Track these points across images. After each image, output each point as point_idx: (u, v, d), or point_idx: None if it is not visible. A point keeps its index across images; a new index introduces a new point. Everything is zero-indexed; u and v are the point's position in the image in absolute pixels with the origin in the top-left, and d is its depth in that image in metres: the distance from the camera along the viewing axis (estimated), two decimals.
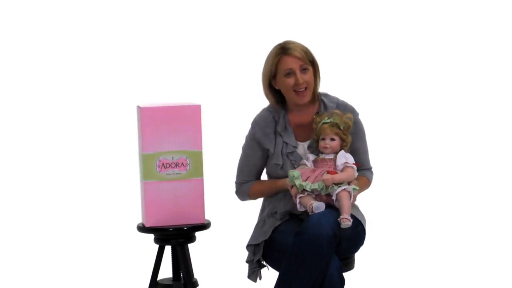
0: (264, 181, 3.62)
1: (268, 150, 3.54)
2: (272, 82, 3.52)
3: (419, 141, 5.69)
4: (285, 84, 3.46)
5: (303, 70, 3.45)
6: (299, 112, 3.54)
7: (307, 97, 3.48)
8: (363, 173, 3.55)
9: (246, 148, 3.60)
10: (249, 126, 3.60)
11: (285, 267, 3.28)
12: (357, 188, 3.39)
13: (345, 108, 3.54)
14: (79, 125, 5.64)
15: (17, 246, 5.21)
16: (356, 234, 3.41)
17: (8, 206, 5.46)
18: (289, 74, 3.45)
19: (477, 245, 5.12)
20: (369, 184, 3.60)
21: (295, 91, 3.46)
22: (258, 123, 3.58)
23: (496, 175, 5.63)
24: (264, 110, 3.61)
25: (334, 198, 3.34)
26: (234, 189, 3.67)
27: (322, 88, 3.60)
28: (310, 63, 3.48)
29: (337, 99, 3.59)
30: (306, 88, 3.46)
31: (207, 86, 5.54)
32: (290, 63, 3.44)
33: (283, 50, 3.46)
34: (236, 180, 3.65)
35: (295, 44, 3.48)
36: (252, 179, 3.62)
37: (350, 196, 3.35)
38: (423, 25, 5.78)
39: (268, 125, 3.56)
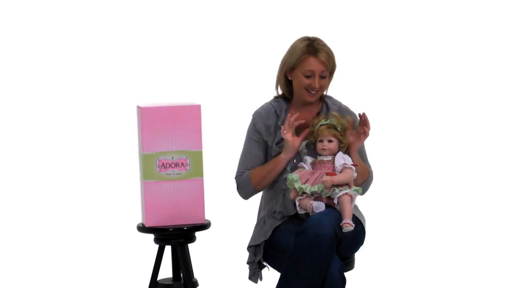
0: (264, 164, 3.59)
1: (267, 142, 3.55)
2: (288, 72, 3.53)
3: (419, 141, 5.70)
4: (301, 81, 3.48)
5: (322, 77, 3.48)
6: (302, 109, 3.55)
7: (316, 98, 3.52)
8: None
9: (247, 140, 3.60)
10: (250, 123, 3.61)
11: (286, 267, 3.28)
12: (360, 189, 3.40)
13: (347, 113, 3.55)
14: (79, 125, 5.64)
15: (17, 246, 5.21)
16: (356, 234, 3.41)
17: (9, 206, 5.46)
18: (309, 76, 3.47)
19: (477, 245, 5.12)
20: (368, 172, 3.57)
21: (306, 90, 3.48)
22: (259, 114, 3.58)
23: (495, 174, 5.64)
24: (267, 103, 3.62)
25: (335, 201, 3.34)
26: (235, 186, 3.62)
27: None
28: (330, 70, 3.50)
29: (340, 103, 3.61)
30: (318, 91, 3.49)
31: (207, 86, 5.54)
32: (314, 66, 3.46)
33: (312, 50, 3.47)
34: (236, 175, 3.61)
35: (325, 48, 3.49)
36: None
37: (352, 200, 3.35)
38: (422, 25, 5.78)
39: (269, 118, 3.57)
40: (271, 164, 3.51)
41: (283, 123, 3.53)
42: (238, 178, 3.60)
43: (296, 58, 3.48)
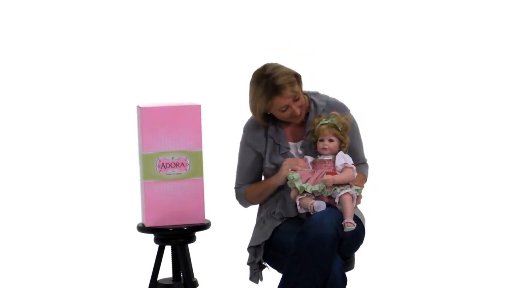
0: (259, 182, 3.63)
1: (261, 153, 3.56)
2: (263, 112, 3.50)
3: (419, 141, 5.69)
4: (281, 115, 3.48)
5: (296, 100, 3.44)
6: None
7: (303, 114, 3.51)
8: (358, 168, 3.55)
9: (241, 153, 3.63)
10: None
11: (288, 267, 3.28)
12: (361, 189, 3.40)
13: (335, 105, 3.55)
14: (79, 125, 5.64)
15: (17, 246, 5.21)
16: (356, 233, 3.40)
17: (9, 206, 5.45)
18: (285, 110, 3.44)
19: (477, 245, 5.12)
20: (366, 179, 3.62)
21: (291, 117, 3.48)
22: (249, 128, 3.60)
23: (495, 174, 5.63)
24: None
25: (337, 201, 3.34)
26: (235, 195, 3.69)
27: (317, 85, 3.62)
28: (297, 83, 3.44)
29: (327, 97, 3.60)
30: (300, 112, 3.49)
31: (207, 86, 5.54)
32: (284, 101, 3.42)
33: (273, 89, 3.39)
34: (235, 185, 3.68)
35: (282, 78, 3.40)
36: (249, 182, 3.63)
37: (353, 199, 3.35)
38: (422, 25, 5.78)
39: (258, 128, 3.57)
40: (263, 186, 3.57)
41: (272, 131, 3.53)
42: (237, 190, 3.67)
43: (263, 105, 3.44)
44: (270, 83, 3.40)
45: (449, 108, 5.76)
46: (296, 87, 3.42)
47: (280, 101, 3.41)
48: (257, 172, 3.62)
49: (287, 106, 3.43)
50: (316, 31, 5.61)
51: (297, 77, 3.46)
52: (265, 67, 3.46)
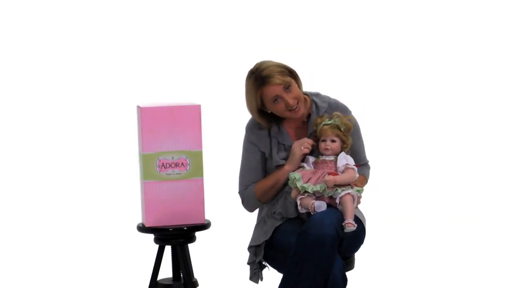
0: (266, 176, 3.58)
1: (265, 153, 3.55)
2: (262, 108, 3.50)
3: (419, 141, 5.69)
4: (277, 109, 3.45)
5: (287, 89, 3.42)
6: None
7: (302, 109, 3.47)
8: (360, 169, 3.54)
9: (245, 153, 3.60)
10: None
11: (288, 268, 3.27)
12: (362, 189, 3.40)
13: (337, 107, 3.54)
14: (79, 125, 5.64)
15: (17, 246, 5.21)
16: (356, 234, 3.40)
17: (8, 206, 5.46)
18: (276, 100, 3.43)
19: (477, 245, 5.12)
20: (367, 181, 3.61)
21: (287, 110, 3.45)
22: (250, 127, 3.59)
23: (495, 174, 5.63)
24: None
25: (337, 201, 3.34)
26: (240, 200, 3.63)
27: (317, 85, 3.62)
28: (289, 76, 3.44)
29: (329, 98, 3.59)
30: (298, 102, 3.45)
31: (207, 86, 5.54)
32: (273, 91, 3.40)
33: (261, 80, 3.40)
34: (239, 189, 3.62)
35: (269, 69, 3.41)
36: (254, 183, 3.59)
37: (354, 200, 3.35)
38: (420, 23, 5.78)
39: (261, 128, 3.55)
40: (275, 176, 3.52)
41: (275, 131, 3.52)
42: (243, 192, 3.61)
43: (254, 97, 3.44)
44: (258, 76, 3.42)
45: (449, 108, 5.76)
46: (287, 78, 3.41)
47: (268, 90, 3.40)
48: (262, 172, 3.58)
49: (278, 96, 3.41)
50: (316, 31, 5.61)
51: (290, 72, 3.45)
52: (255, 64, 3.48)
